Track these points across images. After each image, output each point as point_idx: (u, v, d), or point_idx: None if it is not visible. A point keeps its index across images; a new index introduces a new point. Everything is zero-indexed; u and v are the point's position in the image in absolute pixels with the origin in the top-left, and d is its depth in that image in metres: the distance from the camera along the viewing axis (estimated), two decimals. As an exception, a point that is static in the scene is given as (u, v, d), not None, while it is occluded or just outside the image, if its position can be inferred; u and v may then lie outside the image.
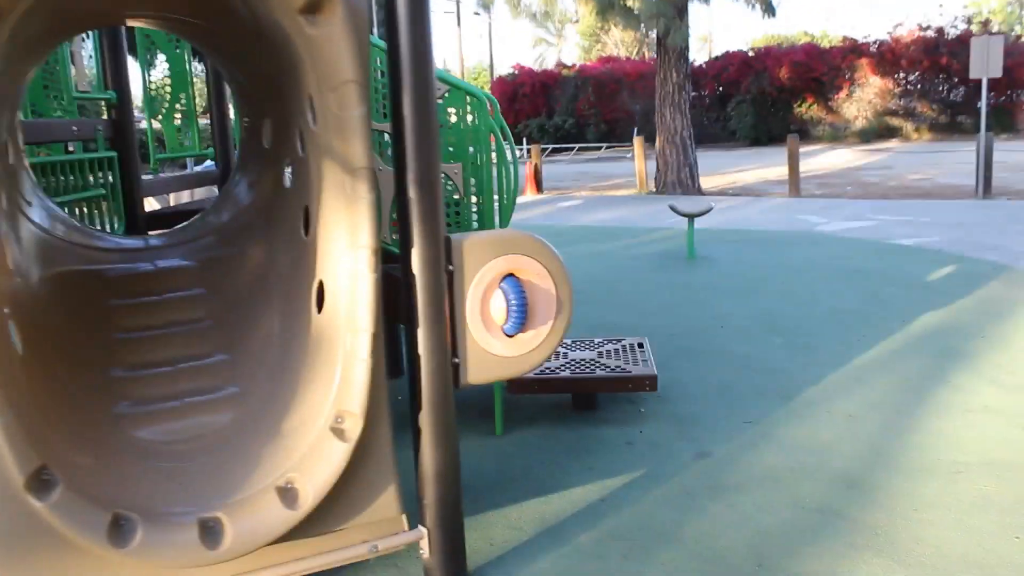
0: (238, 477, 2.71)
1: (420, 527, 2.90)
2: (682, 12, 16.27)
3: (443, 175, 4.22)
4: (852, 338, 5.94)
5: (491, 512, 3.59)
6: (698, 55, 49.18)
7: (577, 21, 50.35)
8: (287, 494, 2.63)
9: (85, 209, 4.54)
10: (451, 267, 2.78)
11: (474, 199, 4.33)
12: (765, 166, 24.35)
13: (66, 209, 4.23)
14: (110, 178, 4.77)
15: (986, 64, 14.82)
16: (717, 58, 37.38)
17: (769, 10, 19.26)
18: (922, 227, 11.17)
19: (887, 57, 32.95)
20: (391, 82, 2.71)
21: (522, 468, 4.03)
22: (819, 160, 26.19)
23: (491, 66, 52.54)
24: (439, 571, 2.92)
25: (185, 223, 4.06)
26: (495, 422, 4.45)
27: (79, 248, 3.51)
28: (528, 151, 20.66)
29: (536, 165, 19.50)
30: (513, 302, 2.81)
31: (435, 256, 2.73)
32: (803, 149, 30.93)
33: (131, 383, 3.13)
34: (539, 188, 19.43)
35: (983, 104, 15.43)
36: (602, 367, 4.55)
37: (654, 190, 18.02)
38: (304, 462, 2.67)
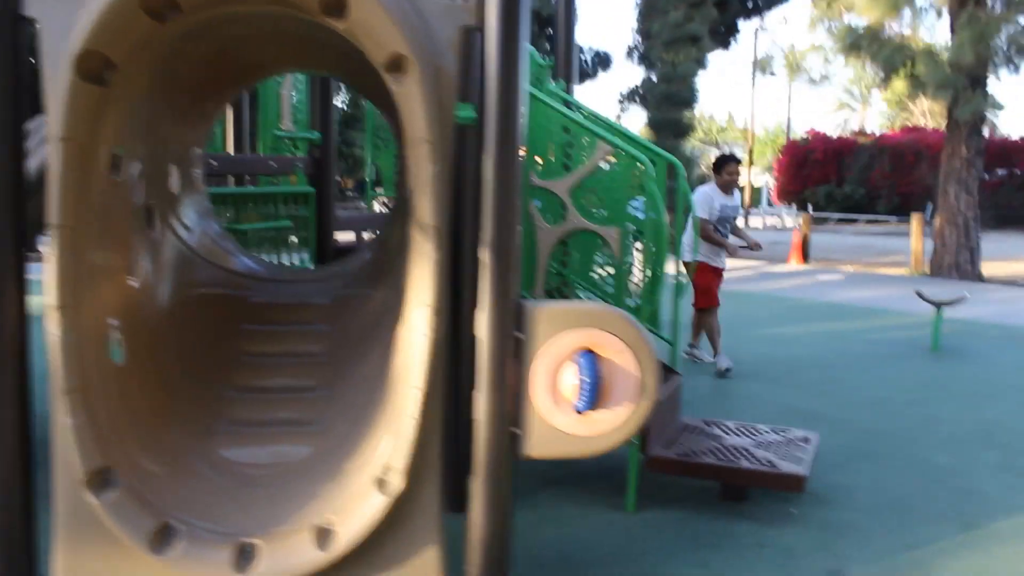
0: (288, 509, 2.79)
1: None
2: (977, 82, 15.00)
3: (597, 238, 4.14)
4: (1086, 468, 5.14)
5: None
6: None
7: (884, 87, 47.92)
8: (323, 535, 2.66)
9: (277, 238, 4.87)
10: (520, 335, 2.68)
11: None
12: (1073, 256, 21.87)
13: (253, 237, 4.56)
14: (305, 212, 5.08)
15: None
16: (1035, 134, 34.22)
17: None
18: None
19: None
20: (478, 139, 2.67)
21: (635, 552, 3.80)
22: None
23: (788, 129, 51.14)
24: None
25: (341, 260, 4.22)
26: (627, 498, 4.25)
27: (226, 273, 3.74)
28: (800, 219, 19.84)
29: (805, 234, 18.67)
30: (584, 379, 2.66)
31: (502, 321, 2.64)
32: (1126, 241, 27.58)
33: (235, 403, 3.30)
34: (805, 258, 18.57)
35: None
36: (750, 458, 4.21)
37: (927, 272, 16.67)
38: (345, 507, 2.70)
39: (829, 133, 41.95)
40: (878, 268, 18.31)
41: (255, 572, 2.61)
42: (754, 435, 4.57)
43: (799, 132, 44.09)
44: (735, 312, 11.26)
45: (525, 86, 2.72)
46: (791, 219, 32.67)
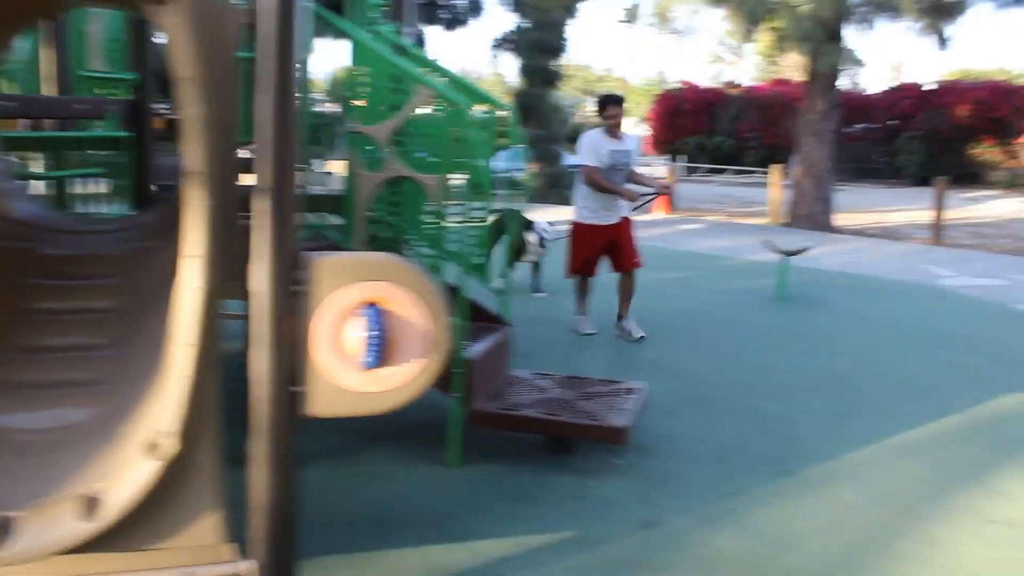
0: (56, 478, 2.59)
1: (246, 560, 2.67)
2: (834, 36, 15.38)
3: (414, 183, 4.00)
4: (903, 412, 5.32)
5: (389, 552, 3.34)
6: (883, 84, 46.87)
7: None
8: (90, 505, 2.48)
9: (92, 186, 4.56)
10: (298, 287, 2.53)
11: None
12: (922, 208, 22.81)
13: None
14: (123, 158, 4.77)
15: None
16: (893, 89, 35.49)
17: (942, 42, 18.02)
18: (1059, 295, 10.11)
19: (1083, 101, 30.45)
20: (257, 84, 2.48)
21: (452, 508, 3.74)
22: (986, 207, 24.39)
23: (663, 80, 51.81)
24: (267, 611, 2.68)
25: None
26: (450, 453, 4.18)
27: (9, 223, 3.46)
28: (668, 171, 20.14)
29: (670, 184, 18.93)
30: (370, 333, 2.53)
31: (278, 274, 2.48)
32: (974, 194, 29.07)
33: (16, 365, 3.04)
34: (670, 208, 18.85)
35: None
36: (574, 410, 4.19)
37: (785, 222, 17.17)
38: (114, 474, 2.52)
39: (702, 84, 42.58)
40: (741, 218, 18.79)
41: (14, 548, 2.41)
42: (581, 387, 4.55)
43: (675, 83, 44.59)
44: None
45: (300, 24, 2.53)
46: (666, 169, 33.27)
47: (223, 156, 2.45)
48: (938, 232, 15.46)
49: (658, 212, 18.26)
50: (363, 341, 2.55)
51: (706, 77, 59.10)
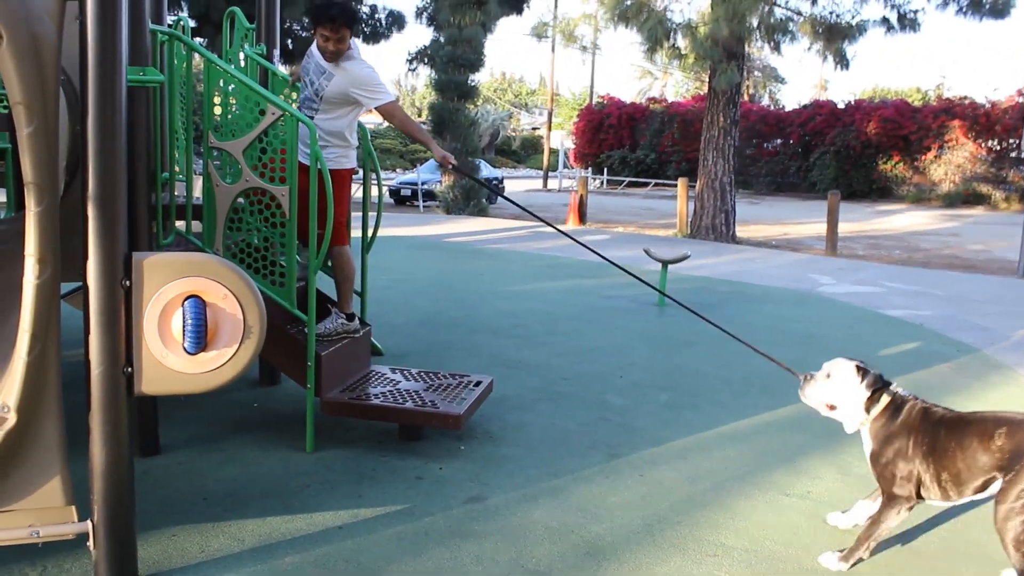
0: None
1: (87, 521, 3.03)
2: (733, 55, 16.11)
3: (265, 194, 4.37)
4: (740, 405, 5.85)
5: (233, 522, 3.70)
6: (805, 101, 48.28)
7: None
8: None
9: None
10: (128, 282, 2.91)
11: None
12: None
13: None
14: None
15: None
16: (805, 106, 36.79)
17: (843, 62, 18.89)
18: (926, 300, 10.82)
19: (981, 121, 31.89)
20: (80, 98, 2.86)
21: (299, 486, 4.12)
22: (890, 220, 25.50)
23: (591, 94, 52.67)
24: (103, 567, 3.04)
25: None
26: (307, 438, 4.56)
27: None
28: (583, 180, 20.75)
29: (581, 196, 19.52)
30: (189, 321, 2.92)
31: (109, 270, 2.87)
32: (881, 208, 30.32)
33: None
34: (582, 219, 19.44)
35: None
36: (417, 400, 4.60)
37: (689, 233, 17.86)
38: (-40, 442, 2.85)
39: (628, 99, 43.55)
40: (652, 230, 19.44)
41: None
42: (431, 380, 4.97)
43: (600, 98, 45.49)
44: (491, 269, 11.81)
45: (124, 49, 2.91)
46: (592, 183, 34.07)
47: (49, 168, 2.81)
48: (833, 243, 16.24)
49: (570, 223, 18.81)
50: (185, 329, 2.95)
51: (634, 92, 60.24)
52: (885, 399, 3.57)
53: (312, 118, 4.73)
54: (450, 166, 5.40)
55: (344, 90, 4.77)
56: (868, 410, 3.58)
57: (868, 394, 3.56)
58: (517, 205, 5.70)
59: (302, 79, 4.92)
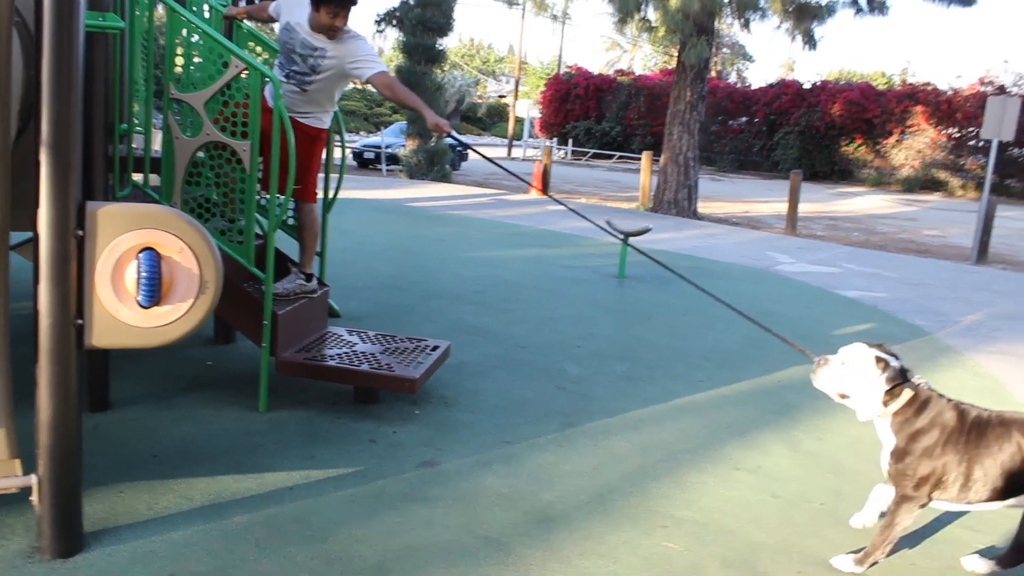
0: None
1: (31, 475, 2.97)
2: (703, 30, 16.10)
3: (226, 149, 4.29)
4: (697, 377, 5.89)
5: (183, 480, 3.66)
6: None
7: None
8: None
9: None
10: (81, 232, 2.84)
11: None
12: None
13: None
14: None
15: (999, 125, 14.50)
16: (772, 85, 36.93)
17: (810, 42, 18.96)
18: (881, 282, 10.97)
19: (943, 108, 32.25)
20: (36, 41, 2.77)
21: (251, 446, 4.09)
22: (849, 202, 25.78)
23: (559, 64, 52.47)
24: (47, 522, 2.99)
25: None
26: (260, 398, 4.52)
27: None
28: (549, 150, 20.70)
29: (545, 166, 19.48)
30: (143, 274, 2.86)
31: (62, 219, 2.79)
32: (841, 190, 30.65)
33: None
34: (545, 190, 19.41)
35: (989, 166, 15.16)
36: (373, 362, 4.58)
37: (651, 207, 17.92)
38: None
39: (596, 71, 43.40)
40: (615, 202, 19.48)
41: None
42: (388, 343, 4.94)
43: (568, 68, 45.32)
44: (453, 235, 11.77)
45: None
46: (556, 153, 34.00)
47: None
48: (793, 222, 16.38)
49: (532, 193, 18.78)
50: (139, 282, 2.89)
51: (602, 64, 60.12)
52: (907, 393, 3.28)
53: (304, 91, 4.74)
54: (444, 134, 5.25)
55: (341, 66, 4.70)
56: (886, 404, 3.30)
57: (888, 388, 3.28)
58: (503, 168, 5.64)
59: (283, 50, 4.78)
